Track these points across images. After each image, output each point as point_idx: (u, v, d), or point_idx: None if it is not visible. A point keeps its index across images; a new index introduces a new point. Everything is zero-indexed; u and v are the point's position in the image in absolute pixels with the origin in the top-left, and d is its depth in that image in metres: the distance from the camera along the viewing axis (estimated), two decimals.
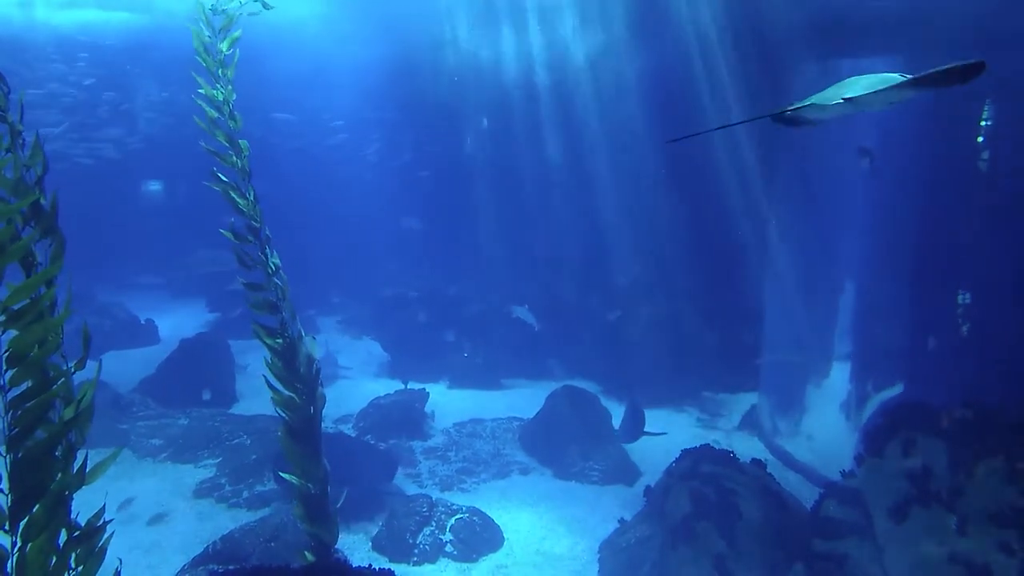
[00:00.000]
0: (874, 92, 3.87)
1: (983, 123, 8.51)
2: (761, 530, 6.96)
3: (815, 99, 4.15)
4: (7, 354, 3.17)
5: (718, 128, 5.10)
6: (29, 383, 3.30)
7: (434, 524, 8.39)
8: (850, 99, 3.96)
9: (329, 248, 19.72)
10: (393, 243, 20.10)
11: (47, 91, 20.38)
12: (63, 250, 3.78)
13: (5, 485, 3.20)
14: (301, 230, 18.04)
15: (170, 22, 17.35)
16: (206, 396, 12.07)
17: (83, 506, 3.66)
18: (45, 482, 3.30)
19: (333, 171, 21.75)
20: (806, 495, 8.31)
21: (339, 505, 6.04)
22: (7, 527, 3.20)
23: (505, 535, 8.60)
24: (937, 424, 6.66)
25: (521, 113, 17.67)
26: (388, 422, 11.63)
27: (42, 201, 3.86)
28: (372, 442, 10.96)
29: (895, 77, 3.89)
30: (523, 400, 13.08)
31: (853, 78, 4.12)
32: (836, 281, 10.10)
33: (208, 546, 7.52)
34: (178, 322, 17.79)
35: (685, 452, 8.08)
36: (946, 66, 3.48)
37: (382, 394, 12.45)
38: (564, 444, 10.71)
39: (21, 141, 3.85)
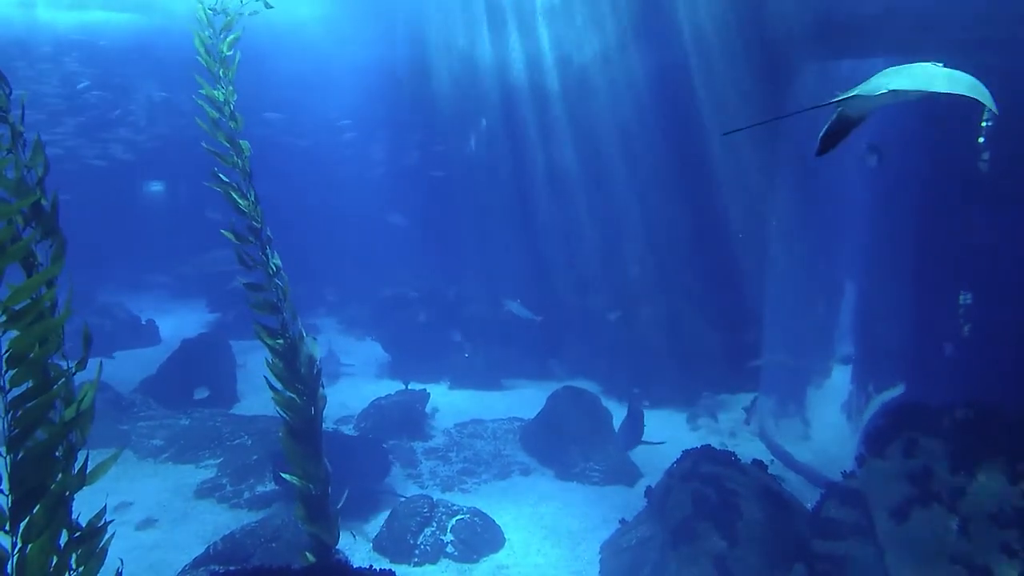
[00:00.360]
0: (916, 88, 4.07)
1: (984, 123, 8.51)
2: (762, 531, 6.95)
3: (858, 90, 4.25)
4: (7, 354, 3.17)
5: (765, 121, 5.13)
6: (29, 383, 3.30)
7: (435, 525, 8.38)
8: (895, 91, 4.14)
9: (329, 248, 19.71)
10: (393, 242, 20.08)
11: (51, 92, 20.38)
12: (64, 251, 3.78)
13: (5, 486, 3.20)
14: (301, 230, 18.04)
15: (174, 22, 17.39)
16: (199, 395, 12.03)
17: (84, 507, 3.66)
18: (46, 483, 3.30)
19: (333, 171, 21.74)
20: (807, 496, 8.31)
21: (340, 506, 6.05)
22: (7, 528, 3.20)
23: (506, 536, 8.60)
24: (938, 425, 6.65)
25: (522, 114, 17.66)
26: (389, 422, 11.63)
27: (43, 202, 3.86)
28: (366, 439, 10.98)
29: (933, 68, 4.14)
30: (524, 400, 13.08)
31: (891, 69, 4.28)
32: (837, 281, 10.09)
33: (209, 546, 7.52)
34: (179, 322, 17.80)
35: (686, 453, 8.07)
36: (981, 98, 3.90)
37: (383, 395, 12.45)
38: (565, 444, 10.70)
39: (23, 142, 3.85)
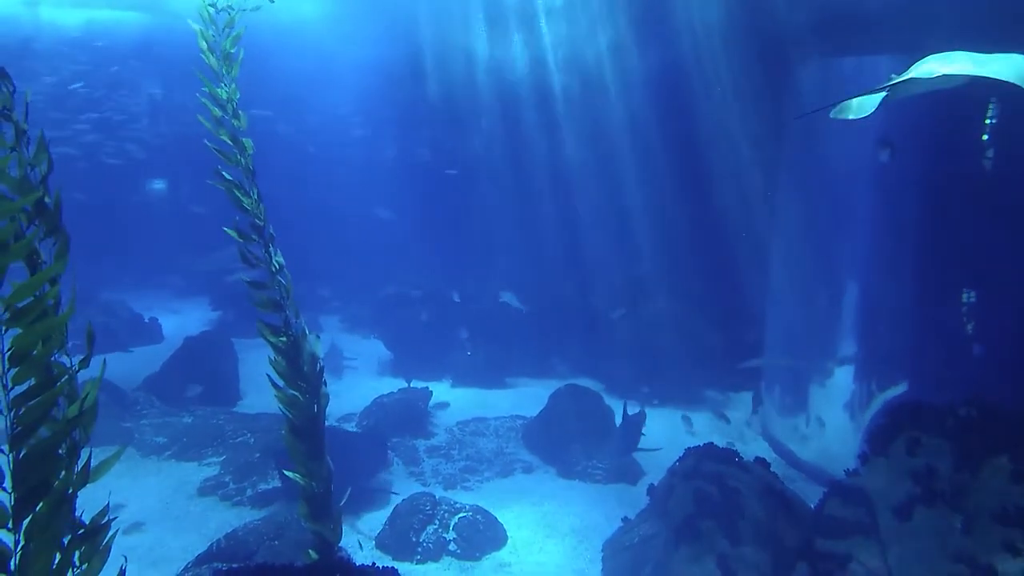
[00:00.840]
0: (971, 73, 4.38)
1: (988, 121, 8.48)
2: (765, 529, 6.94)
3: (913, 73, 4.59)
4: (10, 352, 3.17)
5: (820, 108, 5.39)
6: (32, 381, 3.30)
7: (437, 522, 8.40)
8: (948, 75, 4.48)
9: (330, 246, 19.68)
10: (395, 241, 20.06)
11: (58, 92, 20.38)
12: (67, 248, 3.78)
13: (8, 483, 3.20)
14: (301, 228, 18.04)
15: (179, 21, 17.40)
16: (191, 392, 12.04)
17: (87, 504, 3.66)
18: (49, 480, 3.30)
19: (334, 169, 21.74)
20: (810, 494, 8.29)
21: (342, 503, 6.05)
22: (10, 525, 3.20)
23: (508, 533, 8.60)
24: (942, 423, 6.64)
25: (525, 112, 17.65)
26: (391, 420, 11.64)
27: (46, 199, 3.85)
28: (363, 435, 11.00)
29: (983, 55, 4.46)
30: (526, 398, 13.08)
31: (930, 57, 4.62)
32: (840, 280, 10.06)
33: (212, 544, 7.53)
34: (183, 320, 17.83)
35: (688, 451, 8.06)
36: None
37: (385, 392, 12.46)
38: (567, 442, 10.70)
39: (26, 139, 3.85)
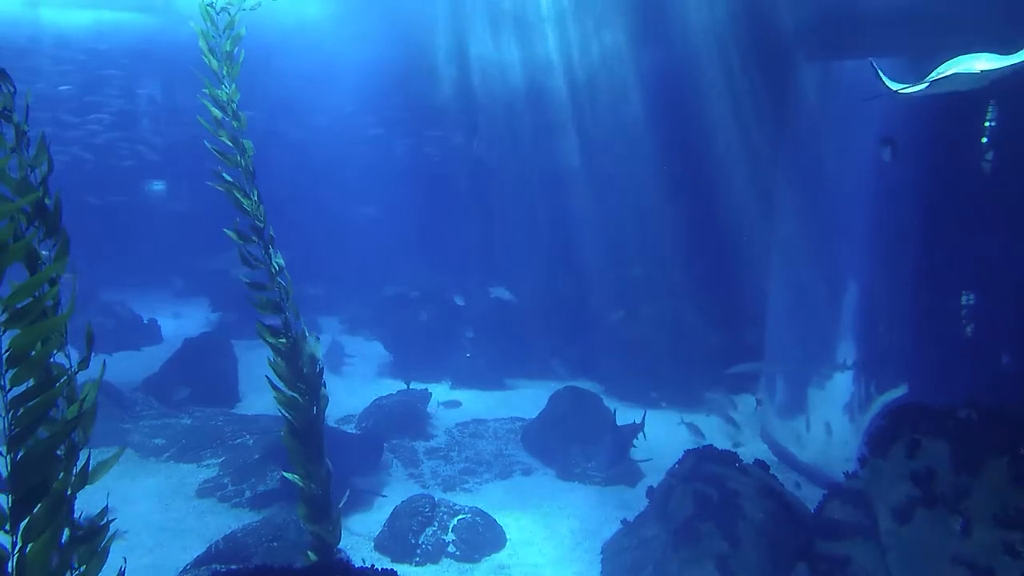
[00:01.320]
0: (1007, 67, 4.75)
1: (987, 123, 8.49)
2: (764, 531, 6.94)
3: (955, 69, 4.99)
4: (8, 353, 3.17)
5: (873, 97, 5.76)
6: (31, 382, 3.29)
7: (436, 524, 8.38)
8: (986, 71, 4.89)
9: (330, 247, 19.67)
10: (397, 242, 20.04)
11: (63, 94, 20.36)
12: (67, 249, 3.77)
13: (6, 485, 3.20)
14: (302, 228, 18.04)
15: (181, 22, 17.42)
16: (178, 395, 12.02)
17: (86, 506, 3.66)
18: (47, 482, 3.30)
19: (334, 169, 21.73)
20: (810, 496, 8.29)
21: (341, 505, 6.05)
22: (8, 527, 3.19)
23: (507, 535, 8.59)
24: (942, 425, 6.63)
25: (526, 114, 17.65)
26: (390, 422, 11.64)
27: (47, 200, 3.85)
28: (357, 435, 11.01)
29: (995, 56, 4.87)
30: (526, 400, 13.08)
31: (959, 58, 5.02)
32: (841, 281, 10.06)
33: (211, 545, 7.52)
34: (182, 321, 17.81)
35: (688, 453, 8.06)
36: None
37: (384, 394, 12.45)
38: (566, 445, 10.69)
39: (26, 140, 3.84)
